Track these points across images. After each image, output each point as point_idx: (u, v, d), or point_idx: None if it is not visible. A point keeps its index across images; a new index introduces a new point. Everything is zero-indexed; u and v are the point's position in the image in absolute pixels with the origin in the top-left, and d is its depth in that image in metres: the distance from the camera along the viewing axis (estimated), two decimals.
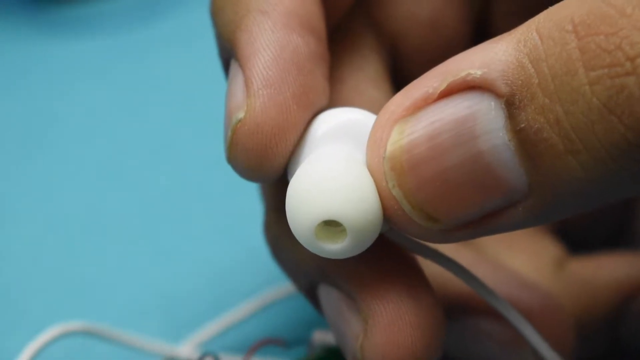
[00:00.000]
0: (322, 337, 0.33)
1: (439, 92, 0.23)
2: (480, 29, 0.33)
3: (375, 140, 0.23)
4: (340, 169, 0.23)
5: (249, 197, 0.37)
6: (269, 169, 0.25)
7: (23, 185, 0.47)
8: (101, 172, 0.48)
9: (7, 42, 0.58)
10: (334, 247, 0.24)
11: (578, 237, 0.35)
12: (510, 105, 0.22)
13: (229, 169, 0.26)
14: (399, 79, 0.31)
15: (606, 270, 0.33)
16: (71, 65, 0.56)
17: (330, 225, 0.23)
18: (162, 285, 0.40)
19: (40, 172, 0.48)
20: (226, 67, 0.28)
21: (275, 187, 0.29)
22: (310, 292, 0.28)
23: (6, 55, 0.57)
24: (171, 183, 0.47)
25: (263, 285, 0.39)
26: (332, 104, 0.27)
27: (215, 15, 0.27)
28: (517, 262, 0.32)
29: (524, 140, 0.22)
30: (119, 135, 0.50)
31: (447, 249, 0.26)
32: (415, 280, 0.26)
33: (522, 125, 0.21)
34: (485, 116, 0.22)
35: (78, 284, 0.41)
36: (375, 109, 0.25)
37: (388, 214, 0.23)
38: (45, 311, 0.40)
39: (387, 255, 0.26)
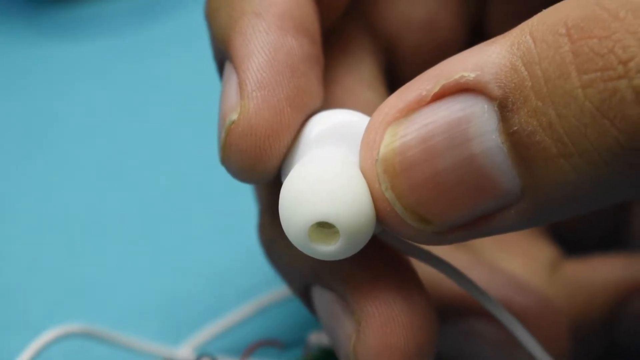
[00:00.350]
0: (319, 338, 0.34)
1: (432, 94, 0.23)
2: (476, 31, 0.32)
3: (369, 142, 0.23)
4: (334, 171, 0.23)
5: (248, 198, 0.37)
6: (262, 171, 0.25)
7: (23, 186, 0.47)
8: (101, 173, 0.48)
9: (6, 44, 0.58)
10: (327, 249, 0.24)
11: (573, 238, 0.35)
12: (503, 107, 0.22)
13: None
14: (393, 80, 0.31)
15: (601, 272, 0.33)
16: (71, 66, 0.56)
17: (324, 227, 0.23)
18: (160, 287, 0.40)
19: (39, 173, 0.48)
20: (220, 69, 0.28)
21: (269, 188, 0.29)
22: (303, 294, 0.28)
23: (6, 56, 0.57)
24: (170, 184, 0.47)
25: (260, 288, 0.39)
26: (326, 105, 0.27)
27: (210, 17, 0.28)
28: (511, 264, 0.32)
29: (517, 143, 0.22)
30: (119, 136, 0.50)
31: (443, 251, 0.26)
32: (408, 281, 0.26)
33: (515, 128, 0.21)
34: (478, 119, 0.22)
35: (77, 285, 0.41)
36: (369, 110, 0.25)
37: (381, 216, 0.23)
38: (44, 313, 0.40)
39: (380, 257, 0.26)
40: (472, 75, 0.22)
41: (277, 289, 0.37)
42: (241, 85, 0.25)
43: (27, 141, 0.50)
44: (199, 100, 0.51)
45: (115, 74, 0.55)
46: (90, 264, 0.42)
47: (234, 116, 0.25)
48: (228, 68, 0.26)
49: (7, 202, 0.46)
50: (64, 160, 0.49)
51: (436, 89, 0.22)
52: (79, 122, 0.52)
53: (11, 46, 0.58)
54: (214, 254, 0.42)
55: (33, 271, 0.42)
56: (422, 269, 0.27)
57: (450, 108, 0.22)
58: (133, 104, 0.53)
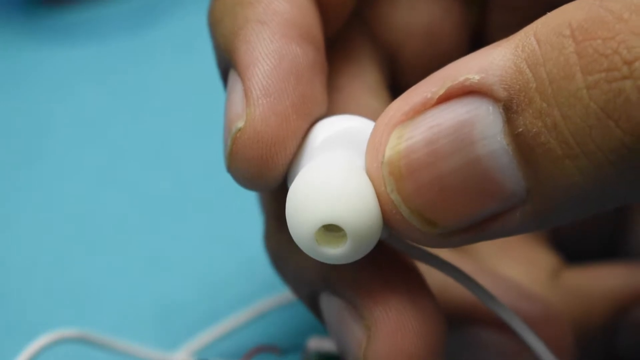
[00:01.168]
0: (317, 344, 0.33)
1: (437, 97, 0.23)
2: (477, 40, 0.33)
3: (374, 145, 0.23)
4: (340, 173, 0.23)
5: (246, 205, 0.37)
6: (268, 178, 0.25)
7: (19, 191, 0.47)
8: (98, 178, 0.48)
9: (4, 48, 0.58)
10: (335, 252, 0.23)
11: (573, 246, 0.35)
12: (508, 109, 0.22)
13: (226, 176, 0.26)
14: (396, 87, 0.31)
15: (601, 280, 0.33)
16: (69, 70, 0.55)
17: (331, 231, 0.23)
18: (157, 292, 0.40)
19: (36, 177, 0.48)
20: (224, 77, 0.28)
21: (275, 196, 0.29)
22: (311, 302, 0.28)
23: (3, 60, 0.57)
24: (168, 189, 0.47)
25: (258, 293, 0.39)
26: (330, 112, 0.27)
27: (214, 26, 0.28)
28: (512, 271, 0.32)
29: (522, 144, 0.22)
30: (116, 141, 0.50)
31: (446, 258, 0.26)
32: (417, 287, 0.26)
33: (520, 129, 0.22)
34: (483, 121, 0.22)
35: (73, 290, 0.41)
36: (372, 117, 0.25)
37: (387, 219, 0.24)
38: (40, 318, 0.40)
39: (388, 263, 0.26)
40: (477, 77, 0.22)
41: (275, 295, 0.37)
42: (247, 93, 0.25)
43: (24, 145, 0.50)
44: (197, 105, 0.51)
45: (113, 78, 0.55)
46: (86, 270, 0.42)
47: (240, 124, 0.25)
48: (232, 76, 0.26)
49: (3, 206, 0.46)
50: (61, 164, 0.49)
51: (441, 92, 0.23)
52: (76, 127, 0.51)
53: (8, 50, 0.57)
54: (211, 259, 0.42)
55: (29, 275, 0.42)
56: (429, 274, 0.27)
57: (455, 110, 0.22)
58: (131, 108, 0.53)
